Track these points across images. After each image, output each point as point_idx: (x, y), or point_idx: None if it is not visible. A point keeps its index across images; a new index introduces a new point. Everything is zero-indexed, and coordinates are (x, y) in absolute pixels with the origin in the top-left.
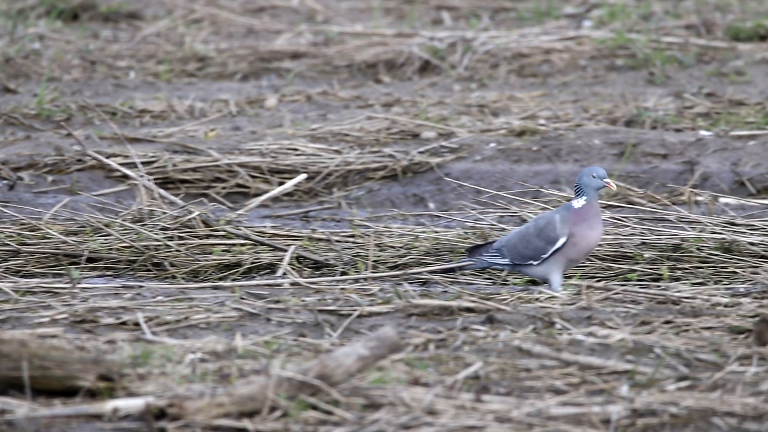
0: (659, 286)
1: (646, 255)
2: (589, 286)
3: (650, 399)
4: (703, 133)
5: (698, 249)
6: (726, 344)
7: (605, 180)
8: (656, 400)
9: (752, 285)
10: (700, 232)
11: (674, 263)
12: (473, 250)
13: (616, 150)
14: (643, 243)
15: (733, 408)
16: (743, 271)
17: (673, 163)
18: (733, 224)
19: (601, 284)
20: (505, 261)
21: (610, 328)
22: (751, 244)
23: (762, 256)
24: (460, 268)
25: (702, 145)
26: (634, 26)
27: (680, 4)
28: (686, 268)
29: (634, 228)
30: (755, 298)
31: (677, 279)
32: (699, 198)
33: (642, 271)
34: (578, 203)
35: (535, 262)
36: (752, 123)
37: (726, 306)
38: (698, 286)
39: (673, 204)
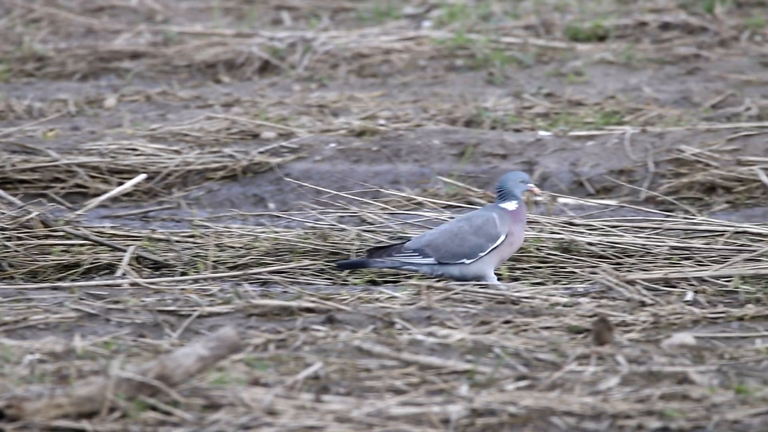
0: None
1: None
2: (429, 286)
3: (489, 398)
4: (542, 133)
5: (537, 249)
6: (565, 344)
7: (529, 184)
8: (495, 400)
9: (591, 285)
10: (539, 232)
11: (513, 263)
12: (374, 252)
13: (455, 150)
14: None
15: (571, 407)
16: (582, 271)
17: (512, 164)
18: (571, 224)
19: (441, 284)
20: (429, 261)
21: (450, 328)
22: (590, 244)
23: (600, 256)
24: (362, 264)
25: (541, 145)
26: (473, 26)
27: (519, 5)
28: (525, 268)
29: None
30: (594, 298)
31: (516, 279)
32: (538, 198)
33: None
34: (511, 206)
35: (468, 260)
36: (591, 123)
37: (565, 306)
38: (537, 286)
39: None
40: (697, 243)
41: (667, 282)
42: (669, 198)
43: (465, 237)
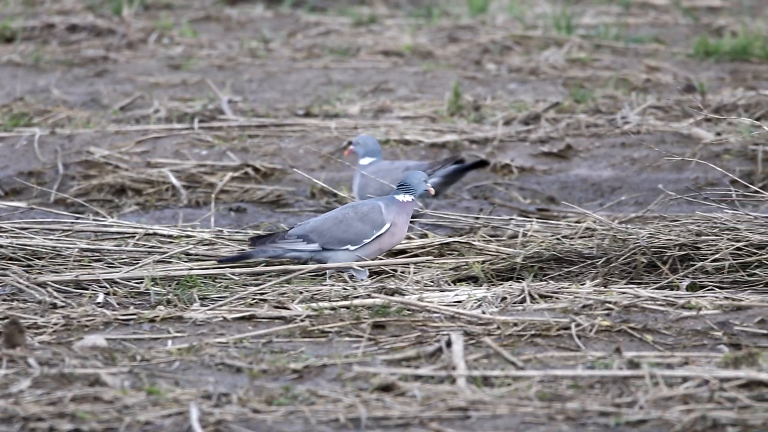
0: None
1: None
2: None
3: None
4: None
5: None
6: None
7: (428, 183)
8: None
9: (1, 287)
10: None
11: None
12: (258, 240)
13: None
14: None
15: None
16: None
17: None
18: None
19: None
20: (312, 246)
21: None
22: (0, 246)
23: (11, 258)
24: (246, 257)
25: None
26: None
27: None
28: None
29: None
30: (5, 300)
31: None
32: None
33: None
34: (404, 198)
35: (352, 247)
36: (1, 125)
37: None
38: None
39: None
40: (108, 245)
41: (79, 284)
42: (79, 200)
43: (350, 223)
